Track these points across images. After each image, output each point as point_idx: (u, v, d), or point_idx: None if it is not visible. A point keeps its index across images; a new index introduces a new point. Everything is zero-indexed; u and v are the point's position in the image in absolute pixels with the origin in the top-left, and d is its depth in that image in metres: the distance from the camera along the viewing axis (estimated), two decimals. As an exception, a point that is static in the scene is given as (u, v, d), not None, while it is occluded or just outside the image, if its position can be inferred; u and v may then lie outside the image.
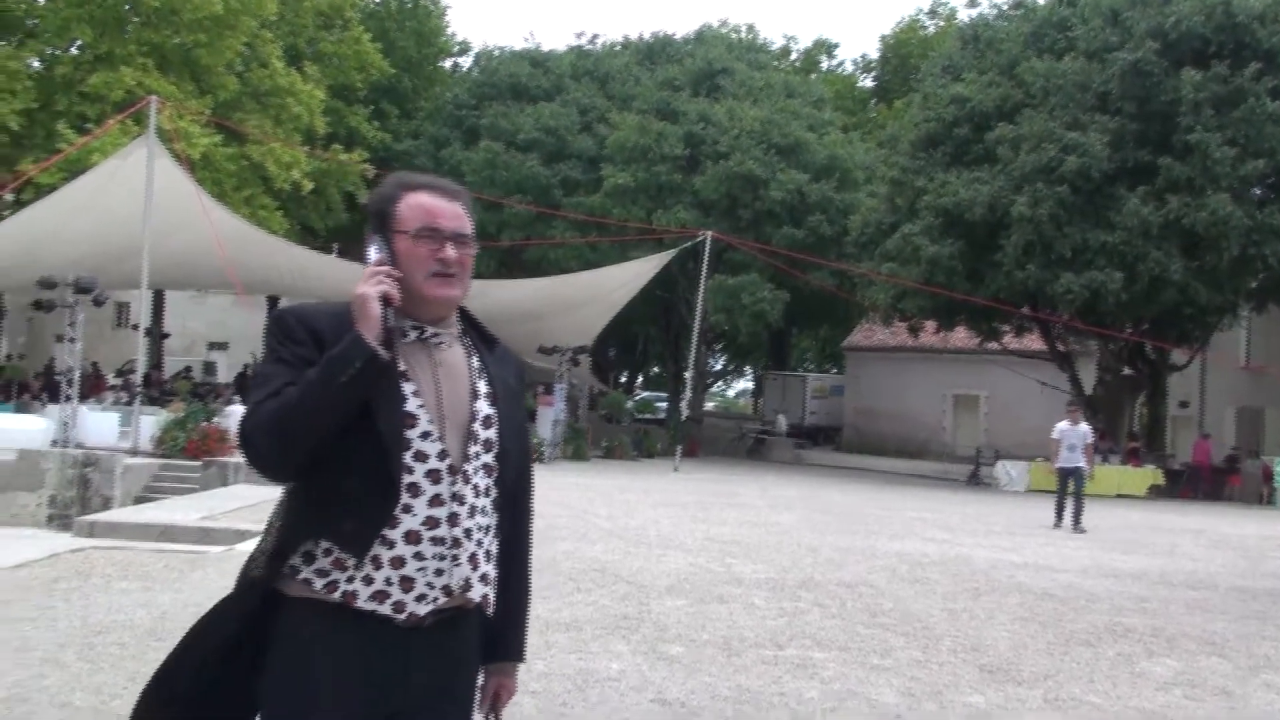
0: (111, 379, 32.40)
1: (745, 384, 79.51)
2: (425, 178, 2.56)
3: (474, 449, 2.42)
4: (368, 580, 2.30)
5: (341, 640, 2.30)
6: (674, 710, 5.70)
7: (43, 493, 17.94)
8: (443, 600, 2.36)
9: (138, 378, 25.06)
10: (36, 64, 28.58)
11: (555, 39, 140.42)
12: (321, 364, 2.25)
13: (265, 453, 2.27)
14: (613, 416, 40.84)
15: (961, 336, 36.29)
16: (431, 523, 2.34)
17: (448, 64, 48.73)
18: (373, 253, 2.41)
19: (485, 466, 2.44)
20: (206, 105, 28.59)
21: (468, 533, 2.39)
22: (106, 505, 17.24)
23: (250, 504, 14.04)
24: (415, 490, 2.33)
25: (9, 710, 5.06)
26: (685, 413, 37.71)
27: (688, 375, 34.68)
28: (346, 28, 36.62)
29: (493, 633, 2.53)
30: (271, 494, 14.71)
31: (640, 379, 68.94)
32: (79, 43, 29.02)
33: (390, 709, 2.35)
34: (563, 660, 6.56)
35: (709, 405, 58.60)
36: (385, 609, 2.31)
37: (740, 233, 34.37)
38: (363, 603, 2.30)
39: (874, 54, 56.59)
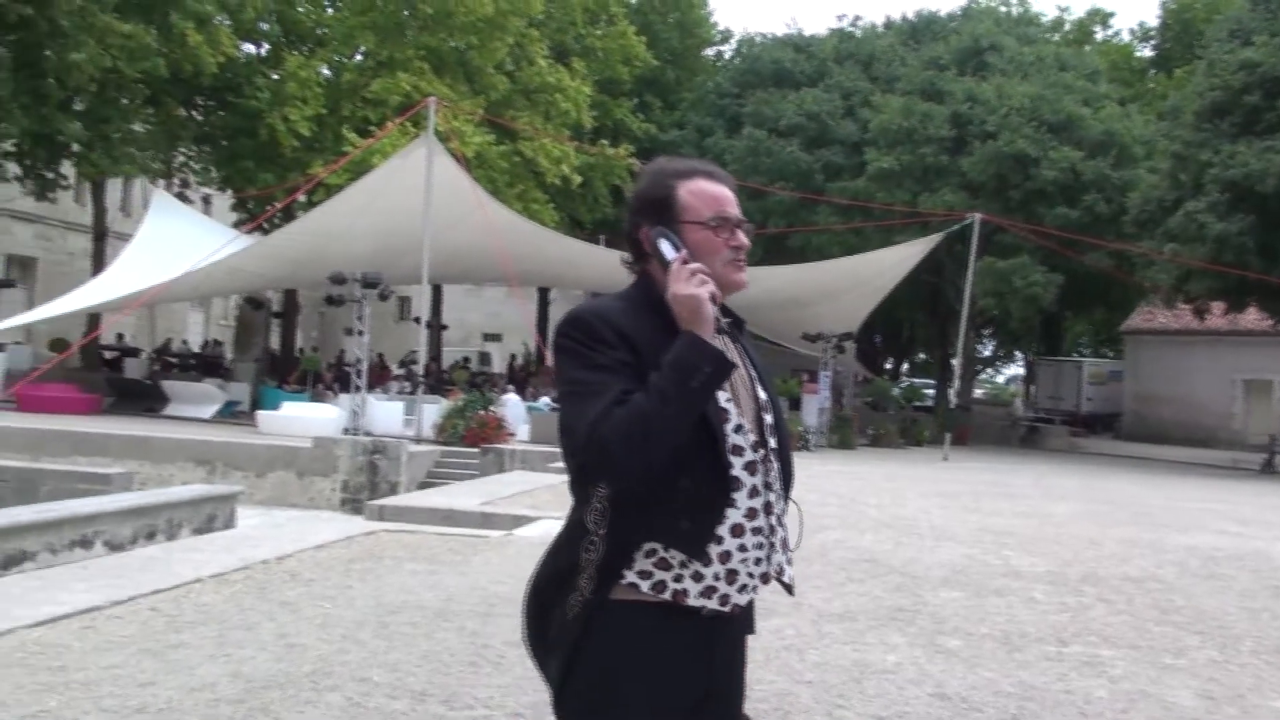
0: (395, 369, 34.12)
1: (1016, 370, 76.94)
2: (691, 163, 2.53)
3: (767, 435, 2.44)
4: (697, 577, 2.31)
5: (664, 639, 2.31)
6: (954, 705, 5.56)
7: (336, 478, 19.03)
8: (759, 588, 2.39)
9: (419, 368, 26.27)
10: (325, 71, 30.22)
11: (817, 23, 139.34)
12: (668, 370, 2.23)
13: (625, 462, 2.21)
14: (879, 404, 40.20)
15: (1253, 318, 34.21)
16: (751, 514, 2.36)
17: (710, 53, 48.96)
18: (669, 249, 2.36)
19: (775, 450, 2.46)
20: (479, 105, 29.64)
21: (778, 519, 2.42)
22: (393, 490, 18.10)
23: (526, 490, 14.44)
24: (737, 484, 2.35)
25: (315, 683, 5.36)
26: (954, 400, 36.85)
27: (956, 362, 33.85)
28: (612, 22, 37.32)
29: None
30: (546, 480, 15.16)
31: (907, 365, 67.63)
32: (362, 50, 30.59)
33: (697, 697, 2.37)
34: (838, 651, 6.49)
35: (978, 392, 57.05)
36: (714, 603, 2.32)
37: (1010, 214, 33.30)
38: (693, 600, 2.31)
39: (1153, 21, 53.94)
